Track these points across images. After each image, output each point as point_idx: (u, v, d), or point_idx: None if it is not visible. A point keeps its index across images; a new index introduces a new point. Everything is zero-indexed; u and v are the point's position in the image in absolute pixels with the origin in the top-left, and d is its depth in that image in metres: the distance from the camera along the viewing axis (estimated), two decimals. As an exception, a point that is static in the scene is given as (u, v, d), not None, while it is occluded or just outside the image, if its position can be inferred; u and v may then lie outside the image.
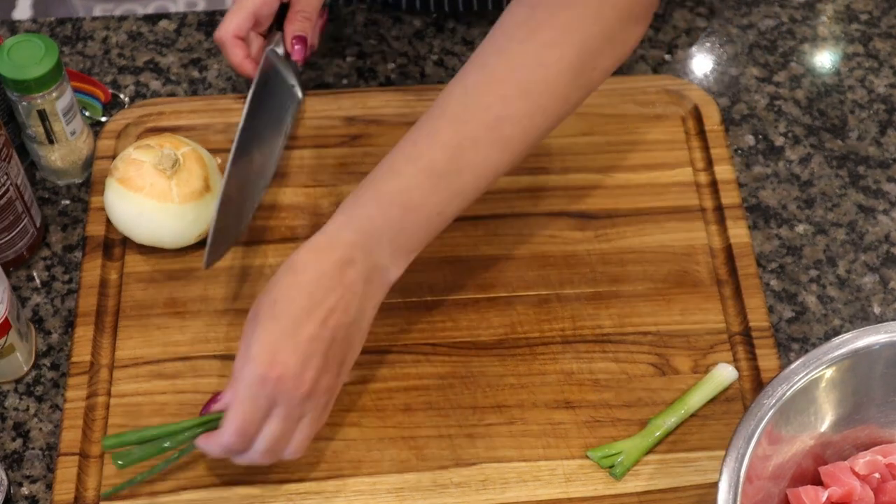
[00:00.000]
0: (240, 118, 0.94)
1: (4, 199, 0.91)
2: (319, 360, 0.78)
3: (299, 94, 1.03)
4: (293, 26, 1.01)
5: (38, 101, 0.94)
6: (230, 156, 0.91)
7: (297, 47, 1.00)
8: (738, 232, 0.98)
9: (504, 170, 0.83)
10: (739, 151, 1.05)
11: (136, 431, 0.83)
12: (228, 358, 0.91)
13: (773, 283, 0.97)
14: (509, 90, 0.81)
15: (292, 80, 1.02)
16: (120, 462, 0.82)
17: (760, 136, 1.06)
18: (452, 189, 0.81)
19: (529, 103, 0.81)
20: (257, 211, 0.99)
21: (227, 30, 0.98)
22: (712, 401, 0.90)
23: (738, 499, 0.73)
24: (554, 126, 0.84)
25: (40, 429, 0.90)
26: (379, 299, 0.82)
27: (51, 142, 0.98)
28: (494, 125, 0.81)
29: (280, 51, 1.01)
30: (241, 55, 0.98)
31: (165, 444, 0.83)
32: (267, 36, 1.02)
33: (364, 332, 0.82)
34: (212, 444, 0.80)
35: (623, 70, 1.10)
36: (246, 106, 0.95)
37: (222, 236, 0.91)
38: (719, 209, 1.00)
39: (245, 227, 0.96)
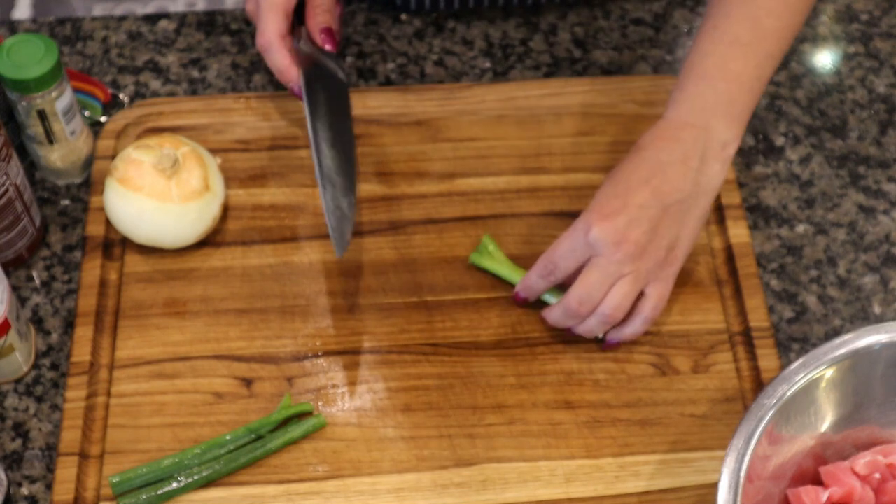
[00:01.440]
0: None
1: (4, 199, 0.91)
2: (646, 226, 0.84)
3: (343, 76, 0.99)
4: (316, 20, 0.99)
5: (38, 100, 0.94)
6: (312, 150, 0.91)
7: (325, 38, 0.99)
8: (739, 232, 0.98)
9: (798, 29, 0.91)
10: (739, 151, 1.05)
11: (144, 466, 0.85)
12: (228, 358, 0.91)
13: (774, 283, 0.97)
14: None
15: (332, 65, 0.99)
16: None
17: (760, 136, 1.06)
18: (762, 54, 0.88)
19: None
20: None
21: (272, 32, 0.95)
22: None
23: (738, 499, 0.73)
24: None
25: (40, 429, 0.89)
26: (717, 173, 0.87)
27: (50, 142, 0.98)
28: None
29: (305, 47, 0.99)
30: (289, 57, 0.96)
31: (174, 486, 0.84)
32: (292, 34, 0.99)
33: (701, 210, 0.87)
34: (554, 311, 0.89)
35: (623, 70, 1.10)
36: (306, 104, 0.94)
37: (340, 220, 0.90)
38: (719, 209, 0.99)
39: (354, 207, 0.93)
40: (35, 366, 0.92)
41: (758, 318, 0.93)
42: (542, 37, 1.12)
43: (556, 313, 0.89)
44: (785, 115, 1.07)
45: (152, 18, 1.13)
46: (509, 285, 0.95)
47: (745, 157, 1.04)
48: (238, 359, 0.92)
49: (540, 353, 0.92)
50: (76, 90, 1.03)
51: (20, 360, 0.91)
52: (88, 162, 1.02)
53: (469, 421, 0.89)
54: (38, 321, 0.95)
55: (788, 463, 0.80)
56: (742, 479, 0.74)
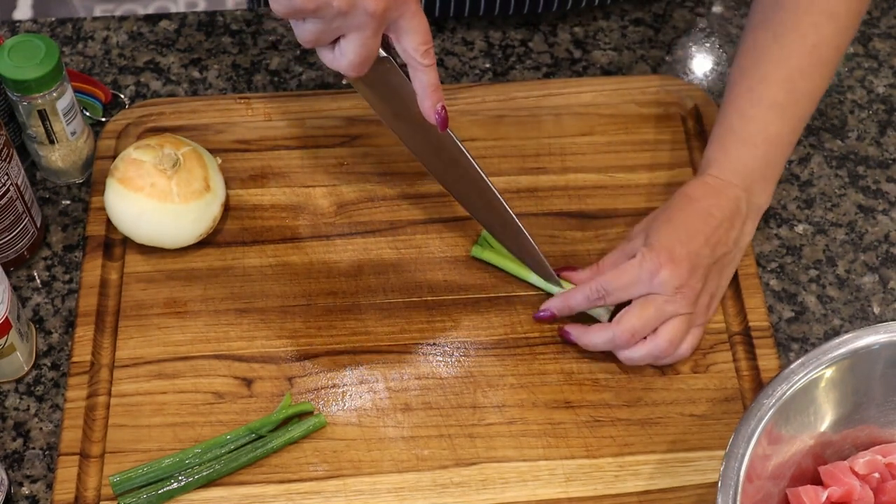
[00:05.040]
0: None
1: (5, 199, 0.91)
2: (701, 274, 0.88)
3: None
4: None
5: (39, 101, 0.94)
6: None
7: (441, 119, 0.89)
8: (738, 232, 0.98)
9: (825, 89, 0.94)
10: (739, 151, 1.05)
11: (144, 466, 0.85)
12: (228, 357, 0.92)
13: (773, 282, 0.97)
14: (818, 17, 0.91)
15: None
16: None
17: (760, 137, 1.06)
18: (797, 117, 0.93)
19: (837, 24, 0.91)
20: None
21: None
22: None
23: (738, 499, 0.73)
24: (848, 43, 0.94)
25: (41, 429, 0.90)
26: (751, 231, 0.93)
27: (51, 142, 0.98)
28: (813, 51, 0.91)
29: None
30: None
31: (174, 485, 0.84)
32: None
33: (736, 264, 0.93)
34: (595, 333, 0.90)
35: (623, 70, 1.10)
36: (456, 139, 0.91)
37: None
38: (719, 209, 1.00)
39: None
40: (36, 365, 0.93)
41: (757, 317, 0.93)
42: (541, 37, 1.12)
43: (599, 338, 0.89)
44: (784, 115, 1.07)
45: (153, 19, 1.13)
46: (510, 285, 0.95)
47: (744, 158, 1.05)
48: (238, 359, 0.92)
49: (540, 353, 0.92)
50: (77, 90, 1.03)
51: (21, 359, 0.91)
52: (89, 162, 1.02)
53: (469, 421, 0.89)
54: (38, 321, 0.95)
55: (788, 462, 0.80)
56: (742, 479, 0.74)
